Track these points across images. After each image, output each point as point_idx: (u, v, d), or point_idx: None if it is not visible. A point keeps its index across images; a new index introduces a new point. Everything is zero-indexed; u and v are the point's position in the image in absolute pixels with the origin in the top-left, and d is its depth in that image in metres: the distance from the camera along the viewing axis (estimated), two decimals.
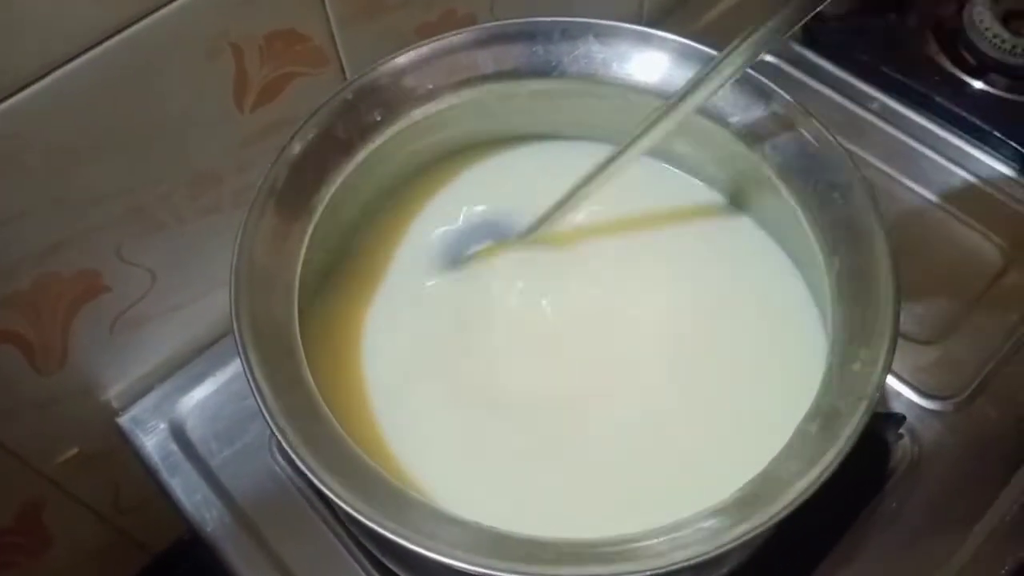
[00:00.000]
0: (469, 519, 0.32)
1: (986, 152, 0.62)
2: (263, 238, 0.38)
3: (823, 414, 0.34)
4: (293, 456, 0.33)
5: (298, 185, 0.40)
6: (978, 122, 0.62)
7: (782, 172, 0.40)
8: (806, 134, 0.40)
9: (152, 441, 0.54)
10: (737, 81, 0.41)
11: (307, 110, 0.51)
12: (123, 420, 0.55)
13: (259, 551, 0.50)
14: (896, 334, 0.34)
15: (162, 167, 0.47)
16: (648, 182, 0.47)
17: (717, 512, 0.32)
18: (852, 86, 0.66)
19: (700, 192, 0.47)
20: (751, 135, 0.41)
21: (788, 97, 0.40)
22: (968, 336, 0.55)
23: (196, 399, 0.55)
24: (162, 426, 0.54)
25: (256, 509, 0.51)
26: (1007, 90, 0.63)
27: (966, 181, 0.61)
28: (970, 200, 0.60)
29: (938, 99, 0.63)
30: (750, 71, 0.41)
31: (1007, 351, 0.54)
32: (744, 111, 0.41)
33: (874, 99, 0.65)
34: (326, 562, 0.49)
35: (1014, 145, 0.61)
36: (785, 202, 0.39)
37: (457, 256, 0.47)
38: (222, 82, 0.47)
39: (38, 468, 0.55)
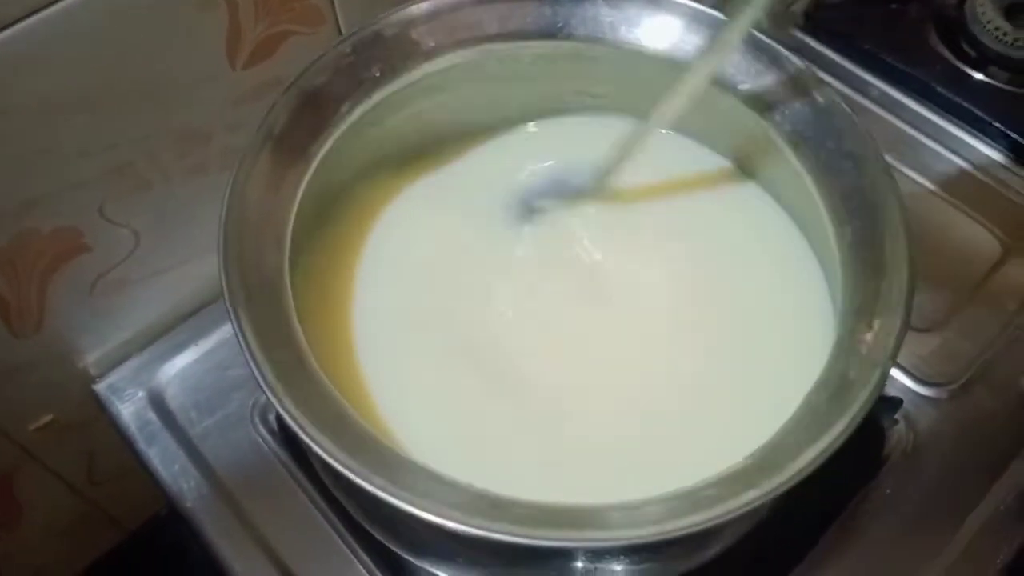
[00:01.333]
0: (462, 481, 0.31)
1: (986, 143, 0.61)
2: (256, 184, 0.37)
3: (833, 384, 0.33)
4: (284, 414, 0.32)
5: (297, 132, 0.38)
6: (978, 112, 0.61)
7: (791, 139, 0.39)
8: (818, 100, 0.38)
9: (129, 409, 0.52)
10: (747, 46, 0.40)
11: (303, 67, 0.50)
12: (100, 387, 0.53)
13: (239, 524, 0.48)
14: (911, 303, 0.33)
15: (149, 122, 0.46)
16: (654, 149, 0.46)
17: (722, 480, 0.31)
18: (852, 73, 0.65)
19: (708, 159, 0.46)
20: (760, 102, 0.40)
21: (799, 62, 0.39)
22: (965, 324, 0.54)
23: (177, 367, 0.53)
24: (140, 394, 0.53)
25: (236, 481, 0.49)
26: (1008, 83, 0.63)
27: (965, 171, 0.61)
28: (969, 190, 0.60)
29: (939, 89, 0.62)
30: (761, 36, 0.40)
31: (1004, 340, 0.53)
32: (754, 77, 0.40)
33: (874, 87, 0.64)
34: (308, 536, 0.48)
35: (1014, 136, 0.60)
36: (794, 170, 0.38)
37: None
38: (215, 36, 0.45)
39: (11, 435, 0.53)
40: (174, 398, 0.53)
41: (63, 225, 0.46)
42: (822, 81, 0.39)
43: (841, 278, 0.36)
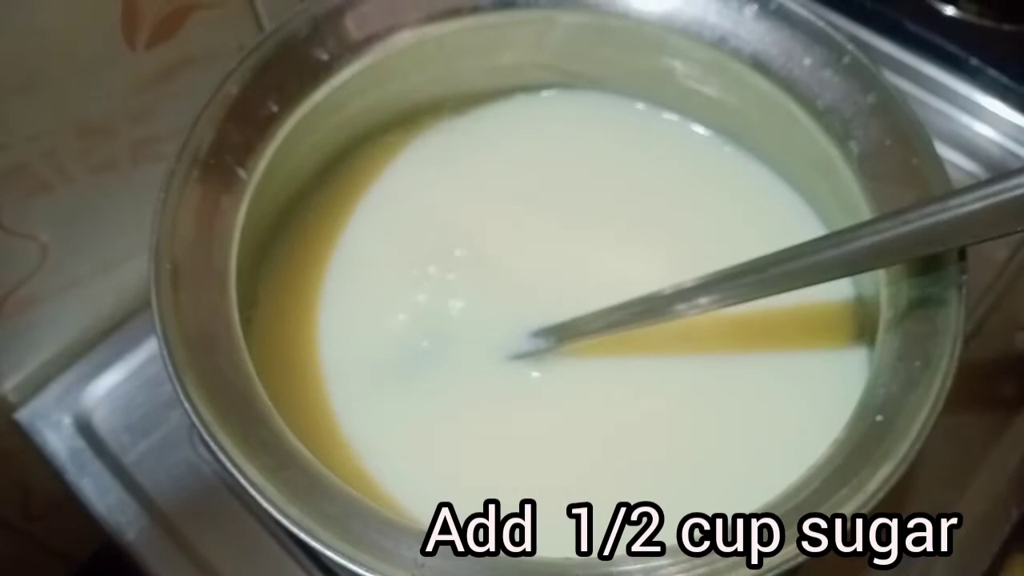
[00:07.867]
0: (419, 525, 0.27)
1: (962, 80, 0.57)
2: (187, 216, 0.31)
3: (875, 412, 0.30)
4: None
5: (228, 148, 0.33)
6: (953, 49, 0.58)
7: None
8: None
9: (56, 438, 0.47)
10: None
11: (212, 48, 0.45)
12: (21, 415, 0.48)
13: (184, 556, 0.44)
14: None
15: (41, 116, 0.40)
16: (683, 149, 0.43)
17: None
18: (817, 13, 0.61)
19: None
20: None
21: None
22: None
23: (104, 388, 0.49)
24: (67, 420, 0.48)
25: (178, 509, 0.45)
26: (979, 16, 0.59)
27: (940, 111, 0.57)
28: (945, 131, 0.56)
29: (909, 26, 0.59)
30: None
31: (995, 293, 0.50)
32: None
33: (840, 28, 0.60)
34: (260, 562, 0.44)
35: (992, 73, 0.57)
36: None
37: None
38: (107, 14, 0.40)
39: None
40: (103, 421, 0.48)
41: None
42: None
43: (885, 289, 0.32)
